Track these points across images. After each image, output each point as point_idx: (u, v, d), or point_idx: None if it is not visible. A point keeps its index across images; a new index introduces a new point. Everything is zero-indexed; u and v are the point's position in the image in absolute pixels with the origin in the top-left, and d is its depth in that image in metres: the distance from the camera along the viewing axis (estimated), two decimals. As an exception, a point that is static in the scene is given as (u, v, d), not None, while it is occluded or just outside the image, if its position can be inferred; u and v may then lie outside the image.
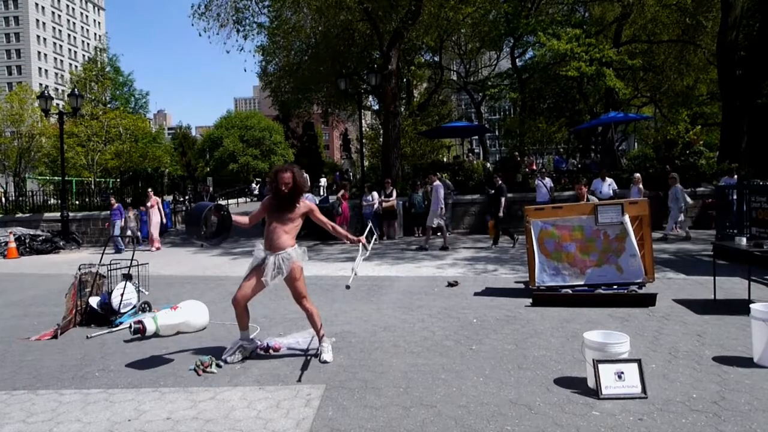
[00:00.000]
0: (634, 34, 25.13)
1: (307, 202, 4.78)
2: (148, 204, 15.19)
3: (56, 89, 73.39)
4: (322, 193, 29.18)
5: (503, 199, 12.02)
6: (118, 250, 13.99)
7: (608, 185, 13.36)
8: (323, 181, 35.95)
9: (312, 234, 15.13)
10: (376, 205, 14.55)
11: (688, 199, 12.63)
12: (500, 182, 12.45)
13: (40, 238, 15.12)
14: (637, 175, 13.17)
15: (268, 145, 61.69)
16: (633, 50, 24.75)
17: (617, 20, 24.16)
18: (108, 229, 15.28)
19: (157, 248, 14.64)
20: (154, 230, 14.94)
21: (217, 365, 4.53)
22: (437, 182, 12.41)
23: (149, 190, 16.29)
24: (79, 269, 6.48)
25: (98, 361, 4.85)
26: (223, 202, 32.10)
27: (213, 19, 19.40)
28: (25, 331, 6.01)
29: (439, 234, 13.06)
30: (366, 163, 22.79)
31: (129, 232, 15.04)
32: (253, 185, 40.22)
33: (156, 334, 5.50)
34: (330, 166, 52.02)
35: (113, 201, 15.54)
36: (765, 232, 8.28)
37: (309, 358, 4.70)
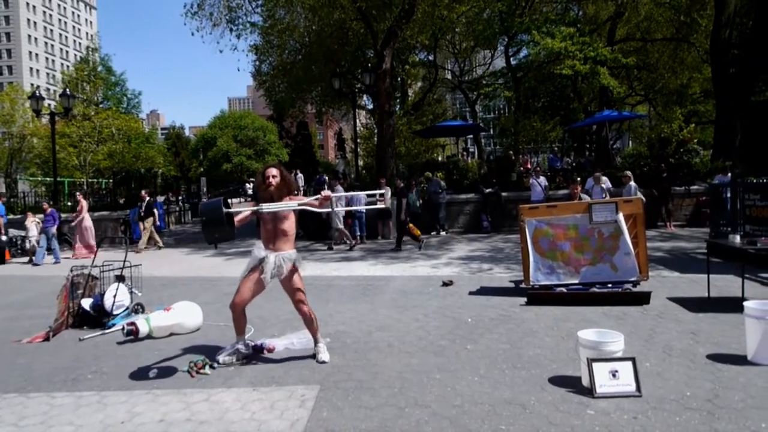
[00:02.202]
0: (628, 32, 25.20)
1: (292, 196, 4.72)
2: (78, 209, 14.18)
3: (48, 89, 73.02)
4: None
5: (404, 201, 12.52)
6: (35, 263, 12.65)
7: (603, 183, 13.40)
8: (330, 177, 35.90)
9: (307, 234, 15.12)
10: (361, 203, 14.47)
11: (641, 197, 12.92)
12: (402, 185, 13.12)
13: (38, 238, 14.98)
14: (583, 181, 13.59)
15: (262, 145, 61.60)
16: (627, 48, 24.82)
17: (611, 19, 24.21)
18: (38, 235, 13.45)
19: (85, 255, 13.28)
20: (80, 236, 13.91)
21: (211, 367, 4.51)
22: (339, 186, 13.45)
23: (77, 193, 15.14)
24: (71, 270, 6.43)
25: (91, 364, 4.81)
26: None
27: (206, 19, 19.37)
28: (16, 334, 5.95)
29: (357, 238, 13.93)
30: (361, 163, 22.72)
31: (31, 243, 13.63)
32: (247, 185, 40.10)
33: (149, 336, 5.47)
34: (324, 166, 51.91)
35: (46, 205, 13.90)
36: (759, 229, 8.32)
37: (303, 358, 4.68)
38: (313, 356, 4.66)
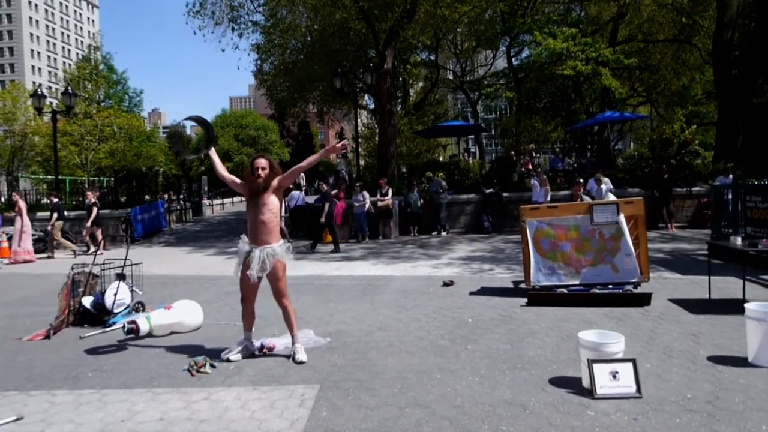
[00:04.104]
0: (630, 33, 25.19)
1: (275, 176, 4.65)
2: (15, 209, 13.28)
3: (50, 87, 73.04)
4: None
5: (327, 206, 12.81)
6: None
7: (604, 185, 13.39)
8: (330, 180, 35.93)
9: (308, 233, 15.12)
10: (367, 205, 14.46)
11: (612, 197, 12.89)
12: (325, 189, 13.52)
13: (33, 237, 14.98)
14: (544, 176, 13.88)
15: (264, 144, 61.52)
16: (629, 49, 24.81)
17: (613, 19, 24.21)
18: None
19: (26, 260, 12.79)
20: (15, 240, 12.96)
21: (212, 365, 4.50)
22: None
23: (13, 193, 14.32)
24: (72, 269, 6.42)
25: (91, 362, 4.81)
26: (217, 201, 31.96)
27: (208, 18, 19.39)
28: (17, 332, 5.96)
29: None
30: (362, 163, 22.73)
31: None
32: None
33: (150, 334, 5.47)
34: (326, 165, 51.88)
35: None
36: (760, 231, 8.30)
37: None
38: (290, 356, 4.64)
